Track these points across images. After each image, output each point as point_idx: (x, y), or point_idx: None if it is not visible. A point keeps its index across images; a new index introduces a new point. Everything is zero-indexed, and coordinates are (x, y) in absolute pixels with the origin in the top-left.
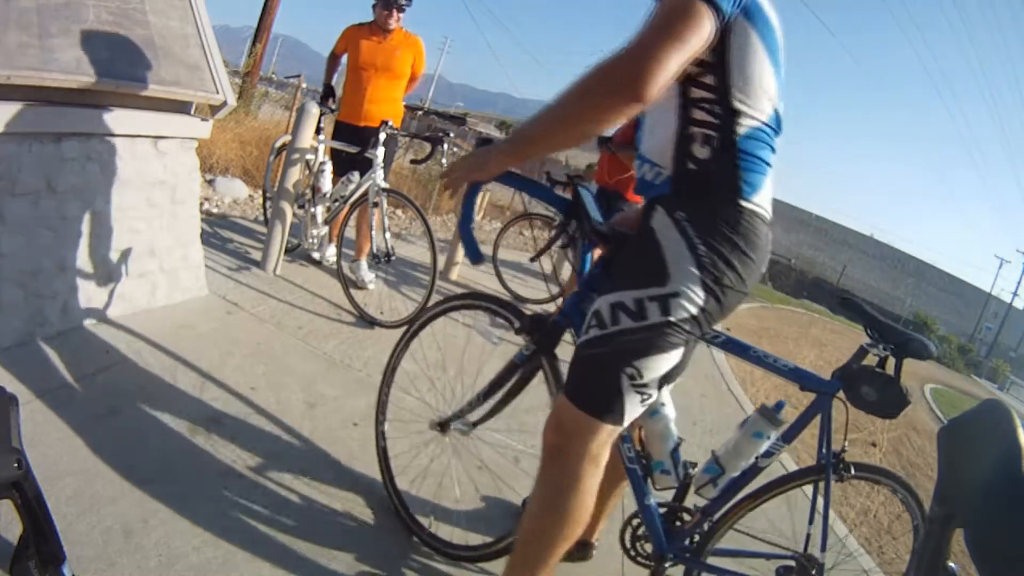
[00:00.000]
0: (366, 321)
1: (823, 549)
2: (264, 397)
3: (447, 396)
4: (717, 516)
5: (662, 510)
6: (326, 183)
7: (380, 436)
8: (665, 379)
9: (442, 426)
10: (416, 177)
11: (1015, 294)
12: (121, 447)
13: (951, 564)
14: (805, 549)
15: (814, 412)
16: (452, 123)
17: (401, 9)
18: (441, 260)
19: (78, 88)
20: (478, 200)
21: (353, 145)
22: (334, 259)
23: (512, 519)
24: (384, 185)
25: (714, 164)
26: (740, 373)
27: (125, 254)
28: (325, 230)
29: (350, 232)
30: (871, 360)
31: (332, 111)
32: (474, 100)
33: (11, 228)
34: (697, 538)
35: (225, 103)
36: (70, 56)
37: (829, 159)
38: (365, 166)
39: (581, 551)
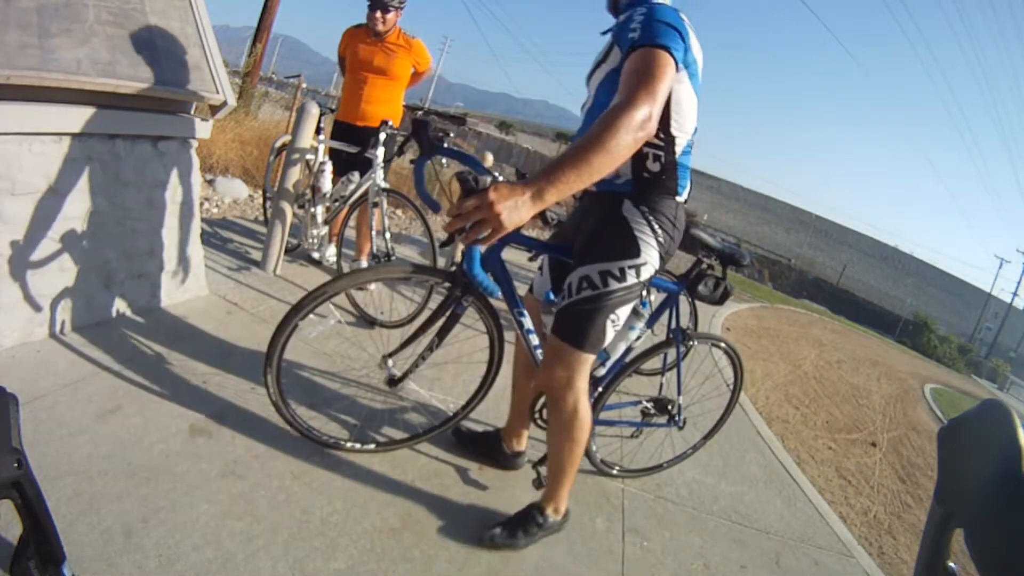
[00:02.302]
0: (366, 321)
1: (679, 393)
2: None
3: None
4: (606, 383)
5: None
6: (326, 183)
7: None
8: None
9: (385, 360)
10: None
11: (1015, 294)
12: (121, 447)
13: (951, 564)
14: (660, 392)
15: (665, 306)
16: (452, 123)
17: (387, 10)
18: (441, 260)
19: (78, 88)
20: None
21: (353, 145)
22: (334, 259)
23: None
24: (384, 185)
25: (663, 175)
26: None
27: (125, 254)
28: (325, 230)
29: (350, 232)
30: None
31: (332, 111)
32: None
33: (11, 228)
34: (592, 400)
35: (225, 103)
36: (70, 56)
37: (828, 160)
38: (365, 166)
39: (512, 461)
